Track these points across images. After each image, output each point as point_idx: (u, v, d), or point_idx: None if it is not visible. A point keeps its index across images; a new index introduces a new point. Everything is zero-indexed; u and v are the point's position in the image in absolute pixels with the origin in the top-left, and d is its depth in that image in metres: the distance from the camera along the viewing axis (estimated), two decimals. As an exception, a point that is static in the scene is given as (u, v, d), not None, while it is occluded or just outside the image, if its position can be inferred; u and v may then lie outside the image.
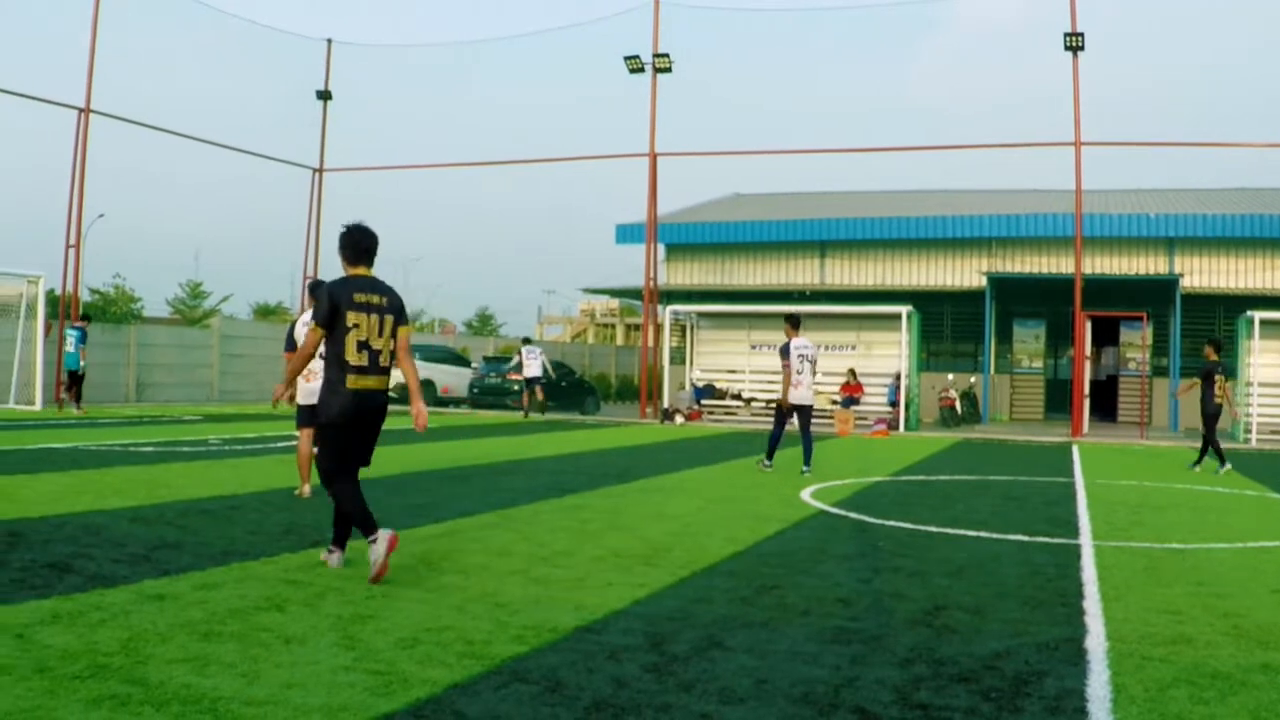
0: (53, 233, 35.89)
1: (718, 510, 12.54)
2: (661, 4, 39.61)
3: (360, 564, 8.18)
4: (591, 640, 6.17)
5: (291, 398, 10.80)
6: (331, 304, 8.21)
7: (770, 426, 16.05)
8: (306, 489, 12.41)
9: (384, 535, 7.81)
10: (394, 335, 8.46)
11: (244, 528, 10.04)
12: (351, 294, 8.27)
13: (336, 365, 8.23)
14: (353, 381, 8.20)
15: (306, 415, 12.11)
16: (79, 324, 30.23)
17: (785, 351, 17.90)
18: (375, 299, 8.37)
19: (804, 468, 17.55)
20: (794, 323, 18.36)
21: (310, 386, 11.50)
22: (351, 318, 8.21)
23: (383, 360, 8.37)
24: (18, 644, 5.67)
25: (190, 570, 7.84)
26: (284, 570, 7.93)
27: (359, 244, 8.56)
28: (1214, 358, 20.02)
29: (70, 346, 29.57)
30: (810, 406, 18.21)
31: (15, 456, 16.32)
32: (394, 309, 8.50)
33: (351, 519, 8.17)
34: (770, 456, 18.02)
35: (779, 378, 17.73)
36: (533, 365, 34.99)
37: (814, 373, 18.12)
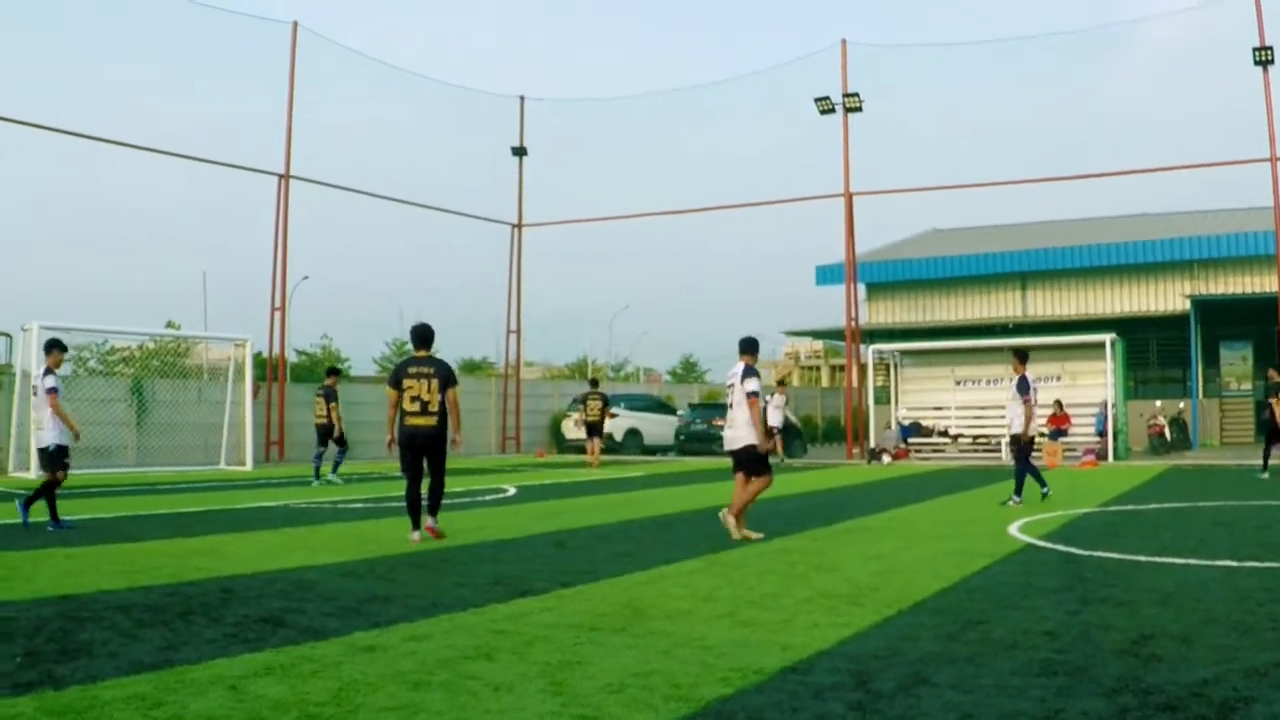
0: (259, 297, 37.16)
1: (924, 548, 12.53)
2: (849, 45, 39.67)
3: (565, 611, 8.40)
4: (797, 680, 6.26)
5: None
6: (395, 375, 13.51)
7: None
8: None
9: (416, 535, 13.29)
10: (441, 392, 13.25)
11: (452, 579, 10.28)
12: (408, 368, 13.38)
13: (401, 412, 13.28)
14: (408, 420, 13.24)
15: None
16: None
17: (1026, 387, 17.76)
18: (426, 370, 13.31)
19: (1015, 497, 17.49)
20: (1023, 357, 18.23)
21: None
22: (407, 383, 13.25)
23: (431, 407, 13.22)
24: (231, 695, 5.89)
25: (399, 622, 8.03)
26: (492, 620, 8.11)
27: (418, 335, 13.78)
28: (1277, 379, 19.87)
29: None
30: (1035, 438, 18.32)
31: (228, 515, 16.97)
32: (440, 375, 13.32)
33: (411, 509, 13.43)
34: (1045, 484, 18.15)
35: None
36: (774, 415, 33.38)
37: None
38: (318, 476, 25.70)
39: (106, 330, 36.12)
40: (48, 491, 14.61)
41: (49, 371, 15.08)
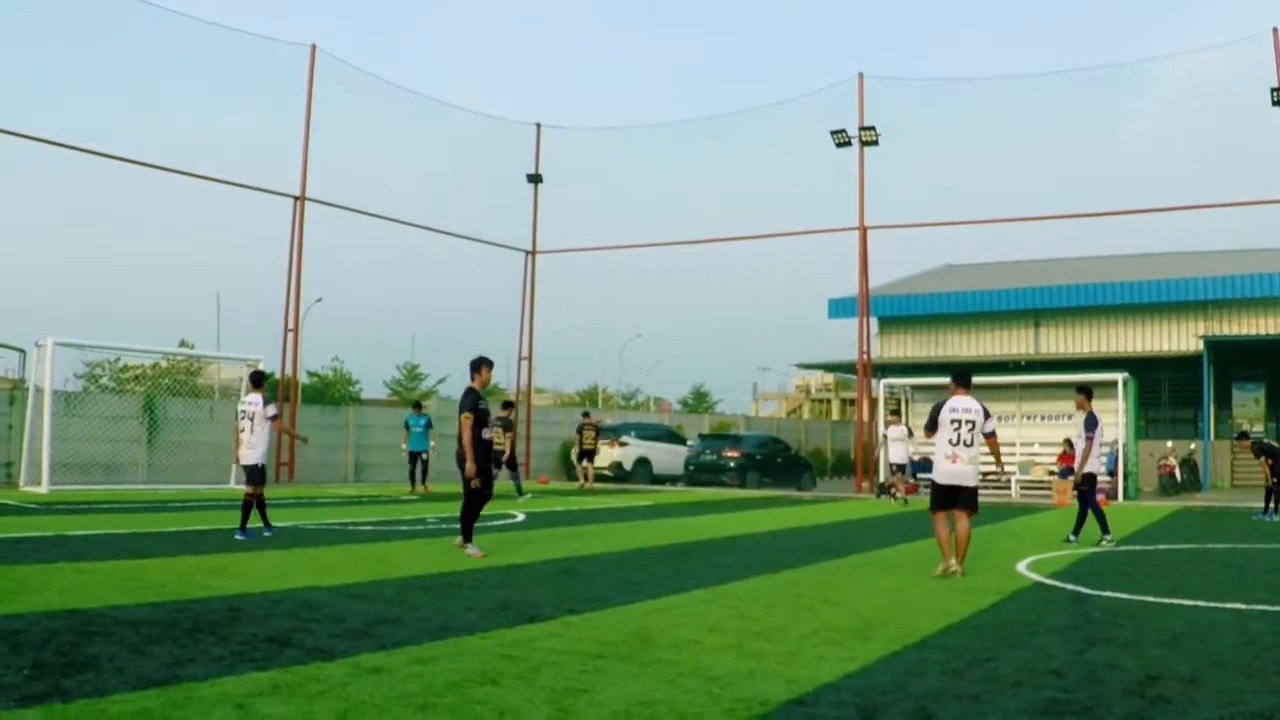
0: (273, 318, 37.34)
1: (932, 584, 12.52)
2: (865, 78, 39.77)
3: (572, 637, 8.42)
4: (802, 713, 6.27)
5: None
6: (475, 402, 14.15)
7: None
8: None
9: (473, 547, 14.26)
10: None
11: (461, 603, 10.28)
12: (479, 398, 14.25)
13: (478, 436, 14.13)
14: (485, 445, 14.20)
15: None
16: (417, 412, 31.82)
17: (1093, 423, 17.74)
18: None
19: (1106, 536, 17.50)
20: (1088, 394, 18.20)
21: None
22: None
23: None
24: (238, 714, 5.91)
25: (407, 644, 8.05)
26: (499, 645, 8.12)
27: (477, 365, 14.67)
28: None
29: (419, 430, 31.33)
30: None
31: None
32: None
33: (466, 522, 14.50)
34: (1108, 530, 17.91)
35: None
36: (898, 450, 31.37)
37: None
38: (520, 493, 30.15)
39: (120, 348, 36.22)
40: (259, 503, 16.98)
41: (267, 401, 17.53)
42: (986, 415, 13.36)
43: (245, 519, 16.65)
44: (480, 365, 14.74)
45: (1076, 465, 18.00)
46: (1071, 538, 17.89)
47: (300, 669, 7.08)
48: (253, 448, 17.04)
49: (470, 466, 13.99)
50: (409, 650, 7.83)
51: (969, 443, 13.10)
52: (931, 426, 13.42)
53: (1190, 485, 38.19)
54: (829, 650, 8.21)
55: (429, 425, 31.35)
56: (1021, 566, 14.09)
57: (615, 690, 6.74)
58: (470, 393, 14.30)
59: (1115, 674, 7.47)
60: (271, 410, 17.46)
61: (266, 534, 16.70)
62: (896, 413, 32.25)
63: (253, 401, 17.25)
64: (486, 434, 14.28)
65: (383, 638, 8.30)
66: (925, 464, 36.80)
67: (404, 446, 31.32)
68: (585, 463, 38.07)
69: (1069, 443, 34.02)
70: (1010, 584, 12.44)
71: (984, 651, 8.23)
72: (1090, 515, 17.91)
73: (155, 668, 6.93)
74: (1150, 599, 11.32)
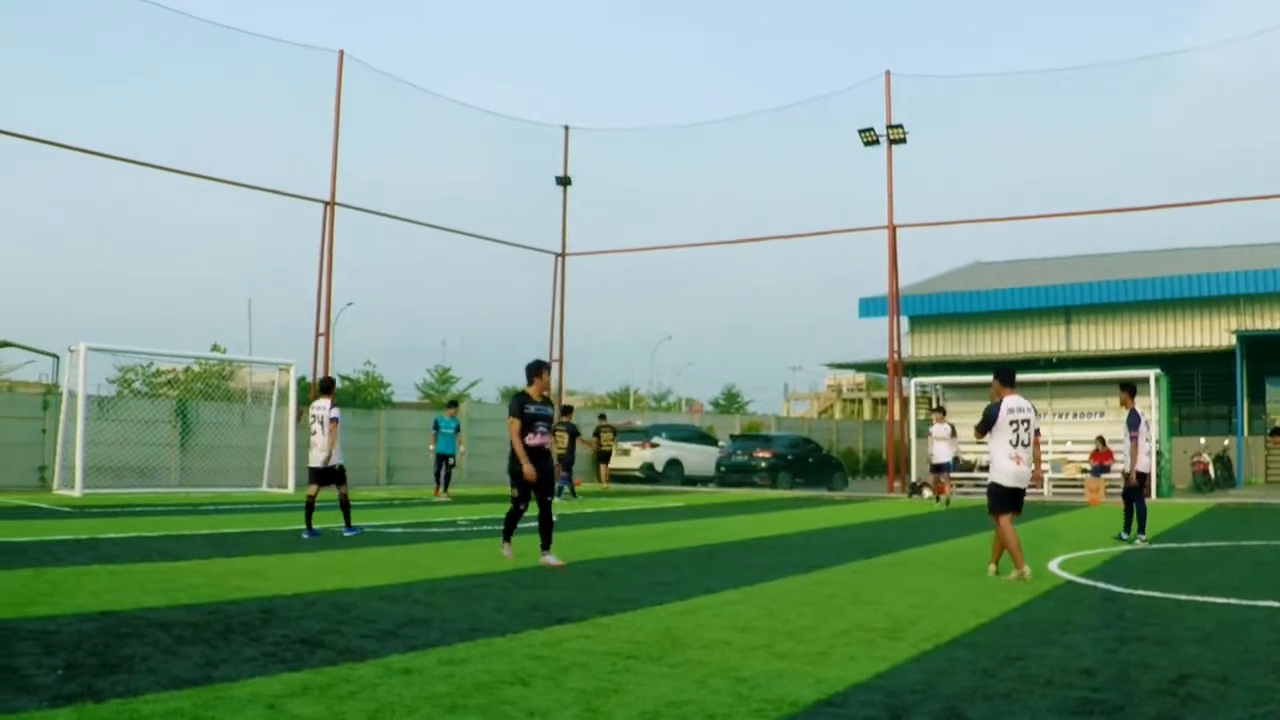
0: (304, 322, 37.50)
1: (963, 583, 12.50)
2: (893, 76, 39.70)
3: (602, 638, 8.43)
4: (831, 713, 6.25)
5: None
6: (520, 406, 13.86)
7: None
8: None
9: (508, 549, 14.33)
10: (549, 424, 14.06)
11: (491, 605, 10.28)
12: (526, 402, 13.86)
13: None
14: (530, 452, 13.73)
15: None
16: (451, 413, 31.58)
17: (1136, 420, 17.68)
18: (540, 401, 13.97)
19: (1141, 535, 17.48)
20: (1132, 390, 18.13)
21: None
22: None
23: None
24: (269, 714, 5.93)
25: (437, 645, 8.06)
26: (529, 646, 8.12)
27: (532, 369, 14.19)
28: None
29: (447, 431, 30.83)
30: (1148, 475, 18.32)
31: (269, 537, 17.08)
32: (549, 409, 14.19)
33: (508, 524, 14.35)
34: (1144, 529, 17.87)
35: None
36: (942, 449, 30.03)
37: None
38: (574, 494, 31.52)
39: (152, 353, 36.36)
40: (310, 505, 17.95)
41: (333, 405, 18.31)
42: (1035, 413, 13.28)
43: (347, 516, 18.22)
44: (536, 370, 14.27)
45: (1127, 464, 17.86)
46: (1122, 535, 17.83)
47: (331, 670, 7.10)
48: (322, 449, 18.02)
49: (528, 469, 13.67)
50: (439, 651, 7.84)
51: (1026, 443, 12.99)
52: (987, 427, 13.12)
53: (1224, 482, 38.00)
54: (859, 650, 8.19)
55: (458, 429, 31.18)
56: (1053, 565, 14.05)
57: (645, 690, 6.74)
58: (517, 397, 14.04)
59: (1147, 673, 7.44)
60: (335, 413, 18.18)
61: (306, 536, 17.19)
62: (940, 410, 31.78)
63: (321, 406, 18.20)
64: (534, 439, 13.80)
65: (413, 639, 8.32)
66: (957, 462, 36.75)
67: (431, 447, 31.07)
68: (602, 465, 38.70)
69: (1101, 440, 33.96)
70: (1042, 583, 12.40)
71: (1015, 650, 8.21)
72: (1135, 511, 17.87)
73: (187, 668, 6.97)
74: (1182, 597, 11.28)
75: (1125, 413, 17.93)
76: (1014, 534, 12.92)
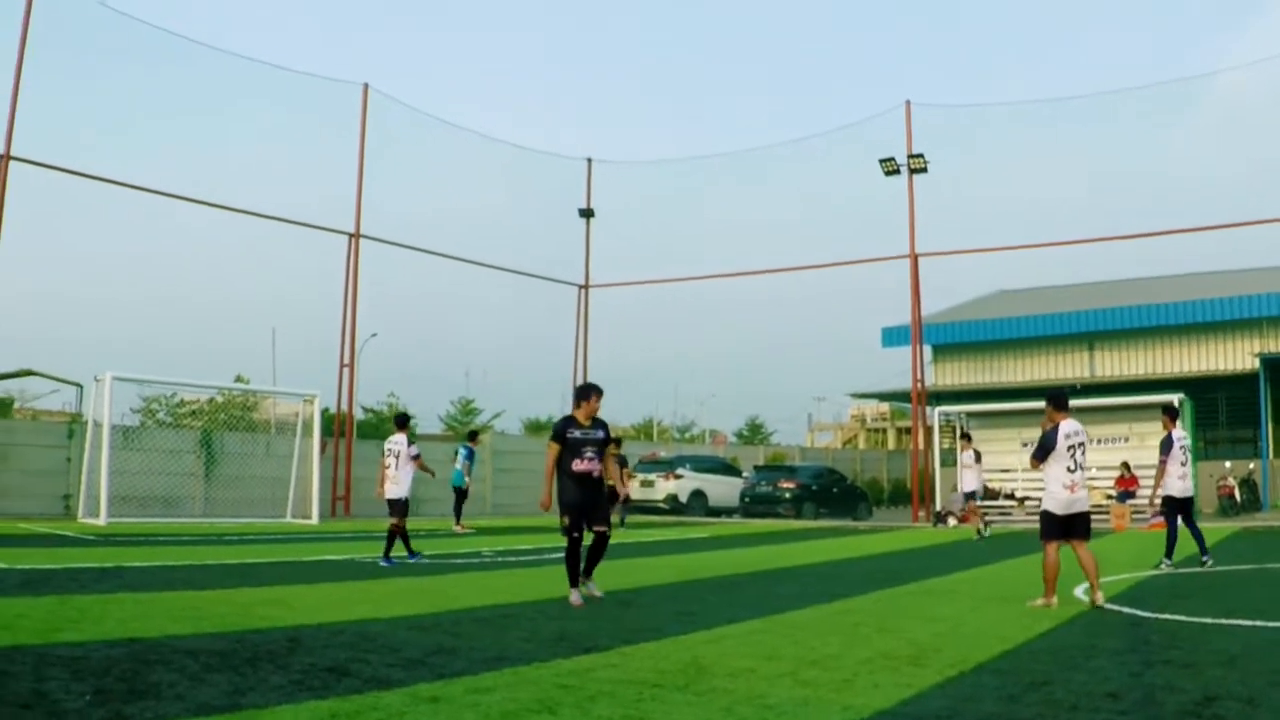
0: (328, 353, 37.66)
1: (989, 610, 12.47)
2: (913, 105, 39.76)
3: (628, 667, 8.43)
4: (857, 738, 6.27)
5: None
6: (560, 430, 13.04)
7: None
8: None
9: (575, 594, 12.82)
10: (600, 449, 13.04)
11: (518, 634, 10.27)
12: (569, 426, 13.04)
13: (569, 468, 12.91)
14: (576, 478, 12.88)
15: None
16: (470, 443, 31.54)
17: (1168, 445, 17.59)
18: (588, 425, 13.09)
19: (1166, 560, 17.54)
20: (1173, 414, 18.05)
21: None
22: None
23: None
24: (297, 742, 5.96)
25: (464, 674, 8.04)
26: (556, 674, 8.11)
27: (580, 393, 13.45)
28: None
29: (458, 463, 30.58)
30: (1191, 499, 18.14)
31: (294, 568, 17.10)
32: (602, 433, 13.14)
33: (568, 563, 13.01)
34: (1170, 555, 17.80)
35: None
36: (971, 479, 29.38)
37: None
38: (622, 524, 31.64)
39: (177, 383, 36.55)
40: (402, 534, 18.74)
41: (411, 441, 19.47)
42: (1086, 436, 13.19)
43: (389, 548, 18.34)
44: (585, 393, 13.42)
45: (1169, 489, 17.77)
46: (1167, 561, 17.76)
47: (358, 698, 7.10)
48: (397, 483, 18.92)
49: (543, 497, 13.33)
50: (466, 680, 7.84)
51: (1083, 467, 12.85)
52: (1045, 455, 12.75)
53: (1250, 505, 37.88)
54: (884, 677, 8.18)
55: (469, 456, 30.84)
56: (1079, 591, 13.99)
57: (671, 719, 6.75)
58: (562, 420, 13.31)
59: (1172, 695, 7.42)
60: (414, 450, 19.40)
61: (411, 560, 18.48)
62: (967, 437, 31.53)
63: (398, 441, 19.19)
64: (582, 465, 12.94)
65: (440, 667, 8.32)
66: (982, 491, 36.63)
67: (467, 478, 30.78)
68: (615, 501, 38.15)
69: (1126, 466, 33.89)
70: (1067, 608, 12.36)
71: (1040, 676, 8.19)
72: (1170, 533, 17.85)
73: (215, 695, 6.99)
74: (1208, 620, 11.25)
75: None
76: (1056, 564, 12.72)
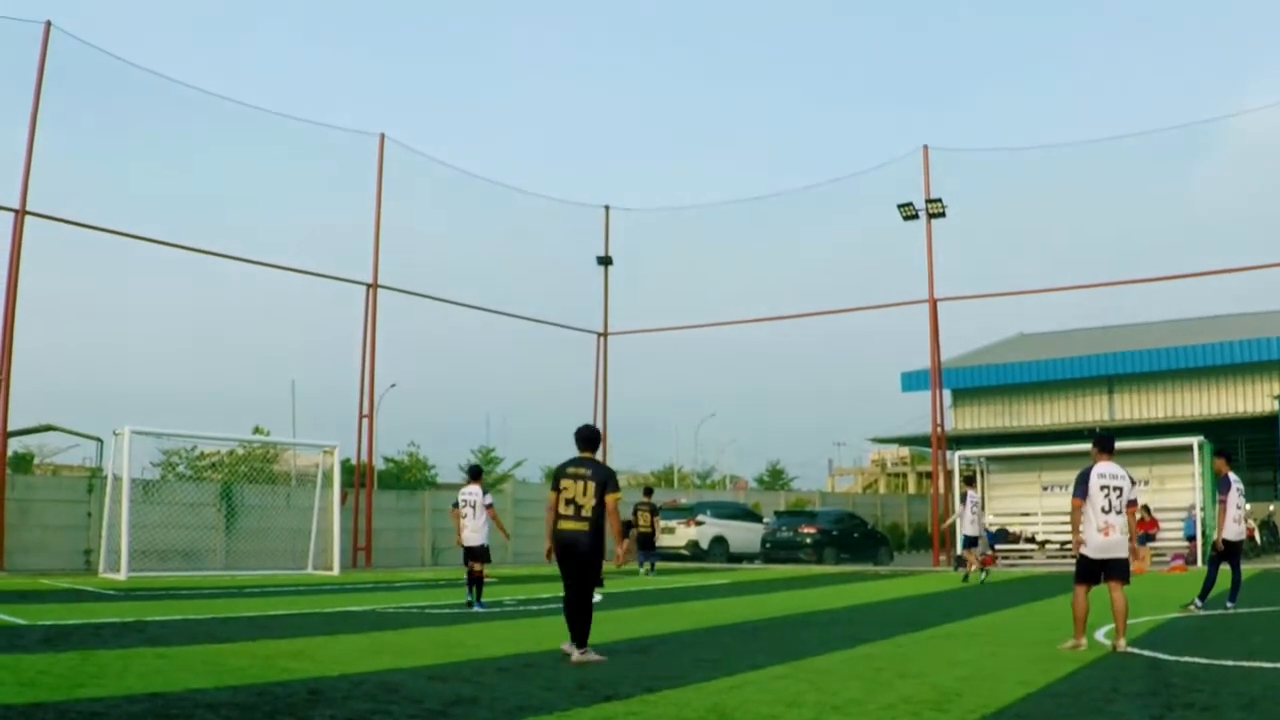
0: (348, 404, 37.71)
1: (1010, 654, 12.45)
2: (930, 150, 39.84)
3: (650, 715, 8.42)
4: (879, 783, 6.26)
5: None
6: (556, 477, 12.50)
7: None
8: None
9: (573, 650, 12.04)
10: (598, 496, 12.15)
11: (539, 684, 10.25)
12: (566, 469, 12.43)
13: (555, 514, 12.27)
14: (561, 524, 12.21)
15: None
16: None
17: (1225, 486, 17.55)
18: (583, 471, 12.33)
19: (1197, 601, 17.44)
20: (1228, 457, 18.02)
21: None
22: (564, 483, 12.31)
23: (585, 512, 12.13)
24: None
25: (486, 725, 8.04)
26: (578, 724, 8.14)
27: (583, 437, 12.68)
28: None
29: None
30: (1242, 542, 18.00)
31: (315, 619, 17.07)
32: (598, 479, 12.26)
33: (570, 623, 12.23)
34: (1204, 597, 17.69)
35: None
36: (971, 522, 28.69)
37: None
38: (652, 570, 33.46)
39: (196, 435, 36.59)
40: (478, 581, 19.48)
41: (485, 491, 20.58)
42: (1132, 482, 13.10)
43: (480, 594, 19.46)
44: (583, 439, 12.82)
45: (1216, 531, 17.72)
46: (1228, 604, 17.67)
47: (380, 750, 7.11)
48: (476, 531, 19.93)
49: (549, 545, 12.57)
50: (486, 729, 7.84)
51: (1120, 510, 12.80)
52: (1079, 492, 12.70)
53: (1270, 547, 37.72)
54: (906, 722, 8.17)
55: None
56: (1099, 635, 13.94)
57: (692, 765, 6.75)
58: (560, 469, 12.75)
59: (1195, 740, 7.40)
60: (489, 500, 20.41)
61: (473, 609, 19.06)
62: (970, 480, 31.26)
63: (473, 492, 20.27)
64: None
65: (462, 718, 8.32)
66: (1002, 534, 36.57)
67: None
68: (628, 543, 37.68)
69: (1146, 509, 33.76)
70: (1089, 652, 12.33)
71: (1062, 720, 8.18)
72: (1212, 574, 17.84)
73: (235, 749, 7.00)
74: (1229, 663, 11.22)
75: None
76: (1084, 606, 12.69)
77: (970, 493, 29.22)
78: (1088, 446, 13.35)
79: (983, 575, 28.32)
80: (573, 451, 12.57)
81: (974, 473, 35.51)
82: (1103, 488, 12.63)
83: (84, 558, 30.32)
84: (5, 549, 28.45)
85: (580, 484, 12.19)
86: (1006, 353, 55.07)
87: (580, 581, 12.26)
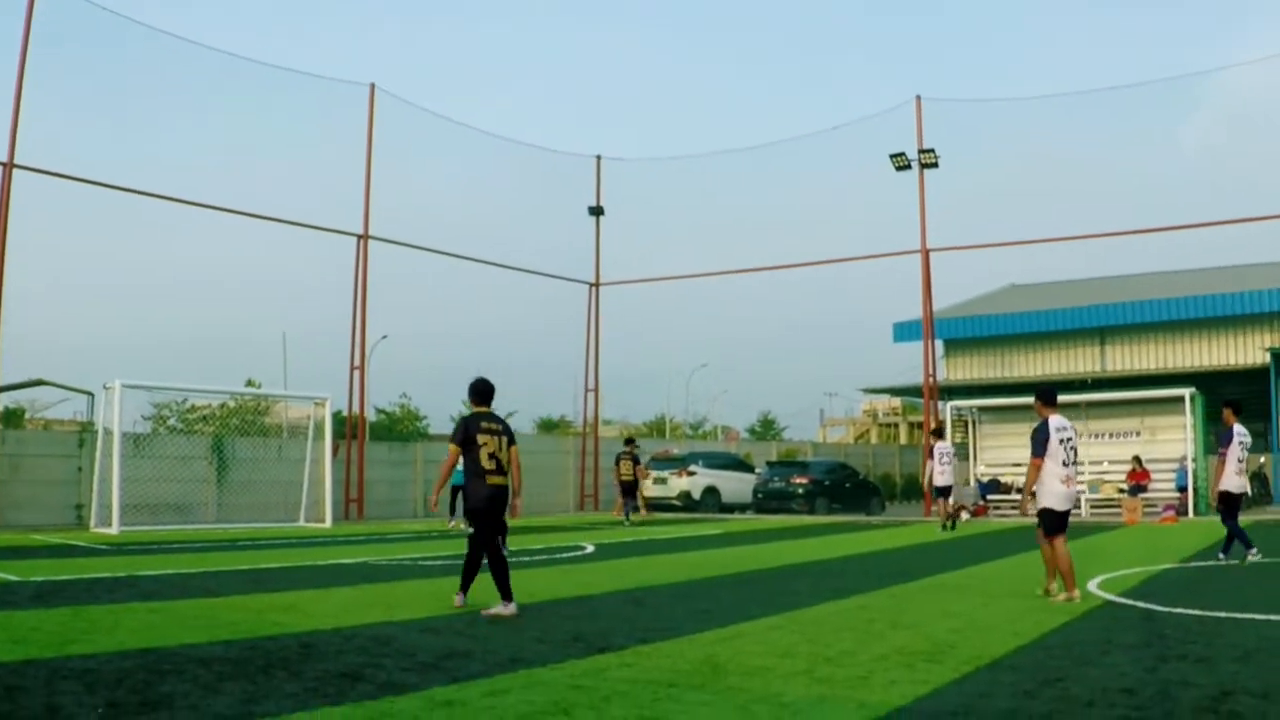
0: (339, 356, 37.56)
1: (1002, 605, 12.44)
2: (923, 100, 39.67)
3: (643, 667, 8.42)
4: (873, 736, 6.26)
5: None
6: (466, 431, 12.23)
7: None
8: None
9: (460, 599, 12.46)
10: (507, 450, 12.32)
11: (532, 635, 10.26)
12: (479, 423, 12.28)
13: (476, 471, 12.11)
14: (490, 479, 12.15)
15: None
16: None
17: (1227, 438, 17.51)
18: (496, 426, 12.38)
19: (1222, 553, 17.66)
20: (1237, 408, 17.94)
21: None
22: (483, 439, 12.17)
23: (505, 465, 12.28)
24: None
25: (479, 677, 8.05)
26: (570, 676, 8.12)
27: (480, 391, 12.58)
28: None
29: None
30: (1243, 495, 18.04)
31: (307, 572, 17.08)
32: (509, 433, 12.48)
33: (469, 572, 12.56)
34: (1249, 545, 17.61)
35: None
36: (944, 473, 29.09)
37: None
38: (628, 519, 34.18)
39: (187, 389, 36.56)
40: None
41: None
42: (1076, 433, 13.18)
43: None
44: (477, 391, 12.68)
45: (1211, 483, 17.70)
46: (1219, 555, 17.70)
47: (372, 704, 7.09)
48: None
49: (433, 498, 13.30)
50: (481, 683, 7.83)
51: (1075, 462, 12.86)
52: (1042, 449, 12.76)
53: (1261, 499, 37.79)
54: (900, 674, 8.17)
55: None
56: (1092, 585, 13.97)
57: (687, 718, 6.73)
58: (463, 420, 12.62)
59: (1188, 691, 7.40)
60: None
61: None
62: (938, 432, 31.15)
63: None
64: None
65: (454, 671, 8.32)
66: (994, 485, 36.62)
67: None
68: (625, 497, 36.43)
69: (1138, 460, 33.82)
70: (1081, 604, 12.33)
71: (1055, 671, 8.17)
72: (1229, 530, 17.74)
73: (228, 704, 6.98)
74: (1222, 614, 11.24)
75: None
76: (1069, 555, 12.75)
77: (938, 444, 29.20)
78: (1079, 397, 13.41)
79: (947, 525, 28.28)
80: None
81: (941, 425, 35.41)
82: (1061, 441, 12.80)
83: (75, 513, 30.27)
84: (-3, 504, 28.45)
85: (496, 439, 12.27)
86: (998, 304, 55.04)
87: (501, 533, 12.36)
